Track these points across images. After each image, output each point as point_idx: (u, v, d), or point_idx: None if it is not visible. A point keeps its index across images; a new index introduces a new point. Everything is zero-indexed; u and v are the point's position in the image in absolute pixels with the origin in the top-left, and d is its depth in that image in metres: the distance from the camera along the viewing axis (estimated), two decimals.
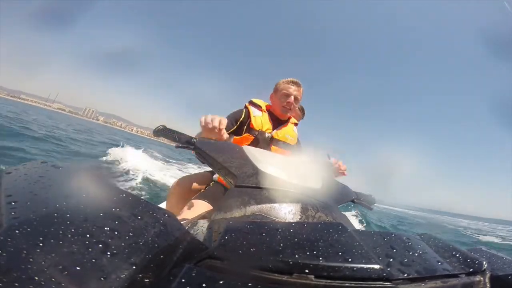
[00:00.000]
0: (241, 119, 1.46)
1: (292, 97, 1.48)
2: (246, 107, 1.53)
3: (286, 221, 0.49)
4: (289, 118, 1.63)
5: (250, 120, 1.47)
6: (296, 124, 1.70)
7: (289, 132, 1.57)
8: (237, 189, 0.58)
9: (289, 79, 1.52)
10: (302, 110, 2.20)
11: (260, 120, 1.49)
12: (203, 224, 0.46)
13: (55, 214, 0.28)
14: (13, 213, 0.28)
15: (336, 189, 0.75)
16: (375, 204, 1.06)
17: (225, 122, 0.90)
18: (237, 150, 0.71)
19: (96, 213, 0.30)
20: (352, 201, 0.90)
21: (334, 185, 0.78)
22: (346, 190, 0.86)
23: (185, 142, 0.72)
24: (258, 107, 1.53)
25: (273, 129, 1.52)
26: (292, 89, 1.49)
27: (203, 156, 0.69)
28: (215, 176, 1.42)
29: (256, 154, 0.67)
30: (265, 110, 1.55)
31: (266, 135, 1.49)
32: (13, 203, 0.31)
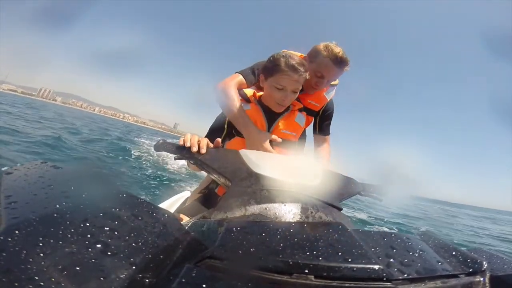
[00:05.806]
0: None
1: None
2: None
3: (286, 221, 0.49)
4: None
5: None
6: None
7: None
8: (237, 189, 0.58)
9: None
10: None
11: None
12: (203, 224, 0.46)
13: (55, 214, 0.28)
14: (13, 213, 0.29)
15: (338, 183, 0.75)
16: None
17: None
18: (233, 154, 0.74)
19: (95, 213, 0.30)
20: (359, 193, 0.87)
21: (336, 179, 0.77)
22: (350, 183, 0.83)
23: (184, 153, 0.77)
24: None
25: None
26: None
27: (200, 165, 0.73)
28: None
29: (251, 157, 0.69)
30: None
31: None
32: (13, 203, 0.31)
